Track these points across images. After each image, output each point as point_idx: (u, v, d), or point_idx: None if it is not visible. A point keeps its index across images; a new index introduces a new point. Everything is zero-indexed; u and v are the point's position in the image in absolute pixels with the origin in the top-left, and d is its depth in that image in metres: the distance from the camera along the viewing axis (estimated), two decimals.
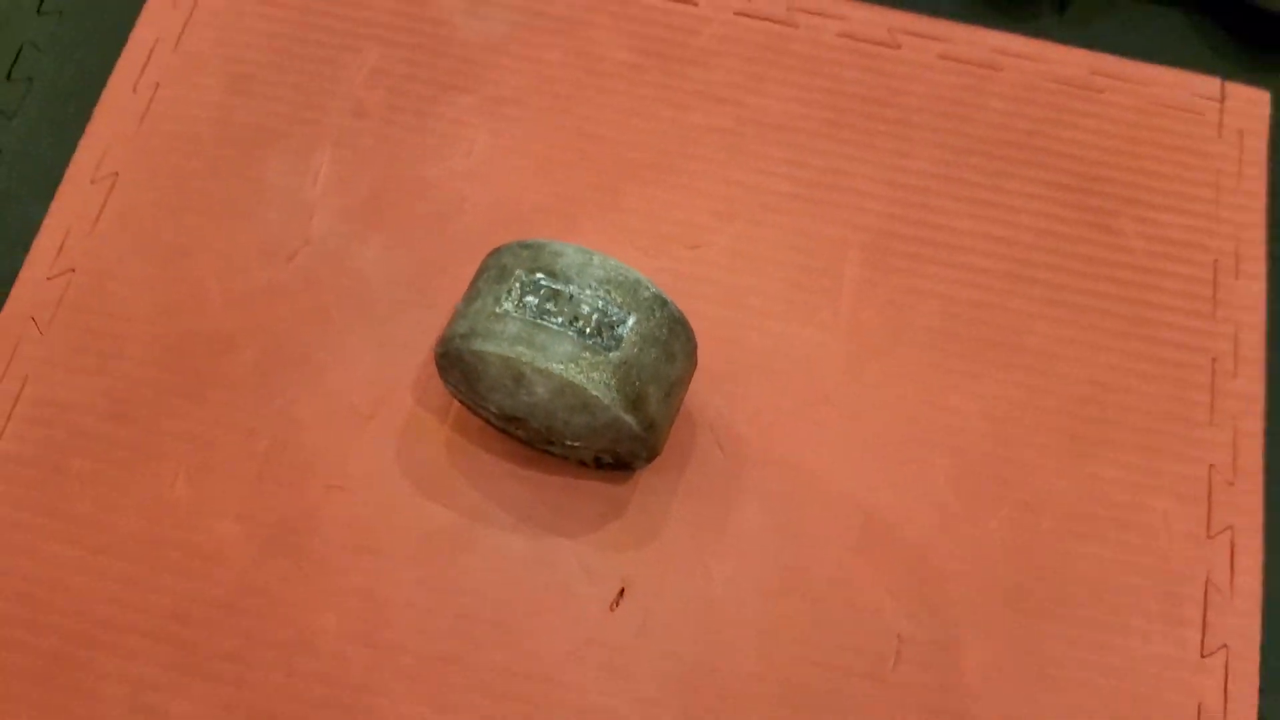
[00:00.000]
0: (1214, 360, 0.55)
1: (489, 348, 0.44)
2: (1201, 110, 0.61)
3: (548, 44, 0.60)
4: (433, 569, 0.50)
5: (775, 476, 0.52)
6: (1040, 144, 0.59)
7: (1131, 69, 0.61)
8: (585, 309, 0.44)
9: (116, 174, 0.56)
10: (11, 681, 0.47)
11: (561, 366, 0.43)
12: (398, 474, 0.51)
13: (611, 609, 0.49)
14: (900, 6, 0.63)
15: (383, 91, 0.58)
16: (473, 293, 0.46)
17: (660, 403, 0.45)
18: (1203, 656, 0.50)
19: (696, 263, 0.56)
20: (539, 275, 0.45)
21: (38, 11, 0.60)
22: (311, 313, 0.54)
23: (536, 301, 0.44)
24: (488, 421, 0.50)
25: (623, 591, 0.50)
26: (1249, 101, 0.61)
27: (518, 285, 0.45)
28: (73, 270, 0.54)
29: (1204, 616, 0.51)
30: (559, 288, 0.44)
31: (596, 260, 0.45)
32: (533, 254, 0.45)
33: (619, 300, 0.44)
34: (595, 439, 0.46)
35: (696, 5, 0.61)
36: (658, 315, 0.45)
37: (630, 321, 0.44)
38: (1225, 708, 0.50)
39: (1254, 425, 0.54)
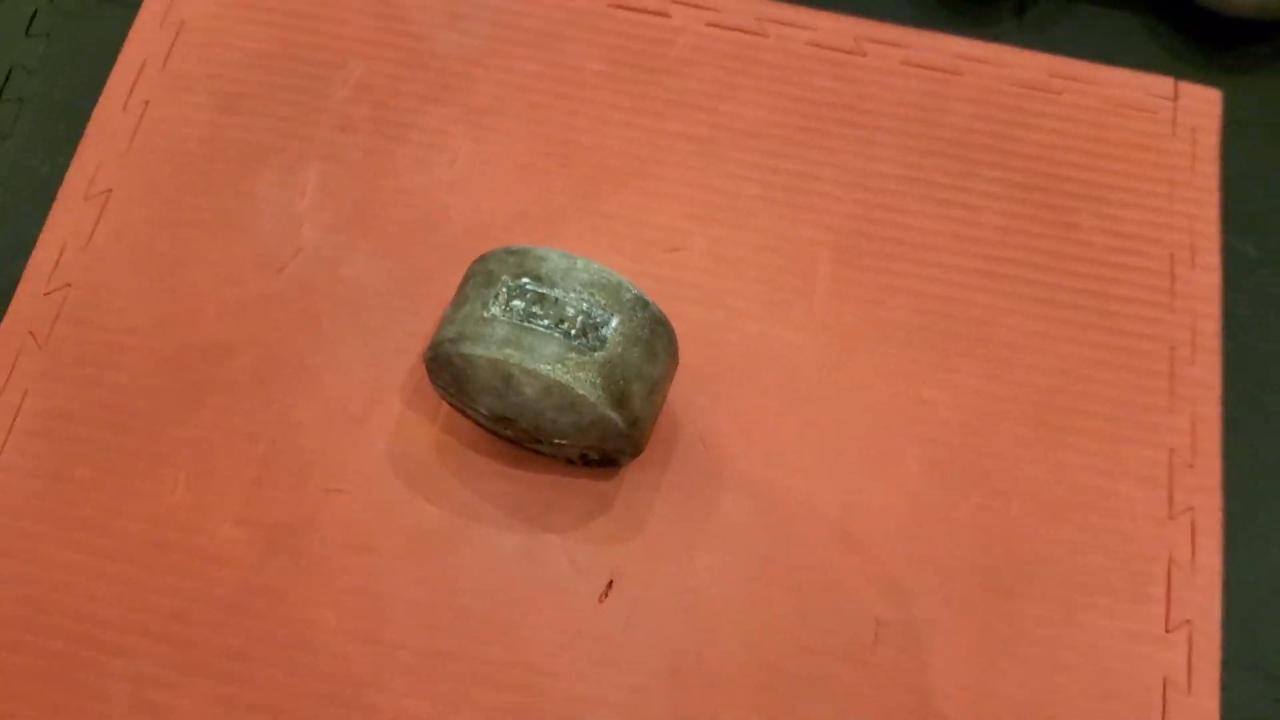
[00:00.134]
0: (1172, 349, 0.58)
1: (478, 351, 0.46)
2: (1156, 109, 0.63)
3: (526, 56, 0.62)
4: (427, 566, 0.51)
5: (756, 470, 0.54)
6: (1002, 145, 0.61)
7: (1088, 71, 0.64)
8: (570, 311, 0.46)
9: (109, 190, 0.57)
10: (19, 683, 0.49)
11: (549, 367, 0.45)
12: (391, 475, 0.53)
13: (600, 601, 0.51)
14: (865, 15, 0.65)
15: (367, 106, 0.60)
16: (460, 298, 0.48)
17: (644, 400, 0.47)
18: (1167, 632, 0.52)
19: (675, 265, 0.58)
20: (525, 280, 0.47)
21: (26, 33, 0.62)
22: (304, 321, 0.55)
23: (523, 305, 0.46)
24: (477, 422, 0.52)
25: (611, 584, 0.52)
26: (1201, 100, 0.64)
27: (504, 290, 0.47)
28: (69, 285, 0.55)
29: (1167, 594, 0.53)
30: (544, 291, 0.46)
31: (580, 264, 0.47)
32: (518, 259, 0.47)
33: (602, 302, 0.46)
34: (582, 437, 0.48)
35: (669, 17, 0.63)
36: (640, 316, 0.47)
37: (614, 322, 0.46)
38: (1189, 680, 0.52)
39: (1211, 410, 0.57)
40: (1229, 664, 0.53)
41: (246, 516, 0.52)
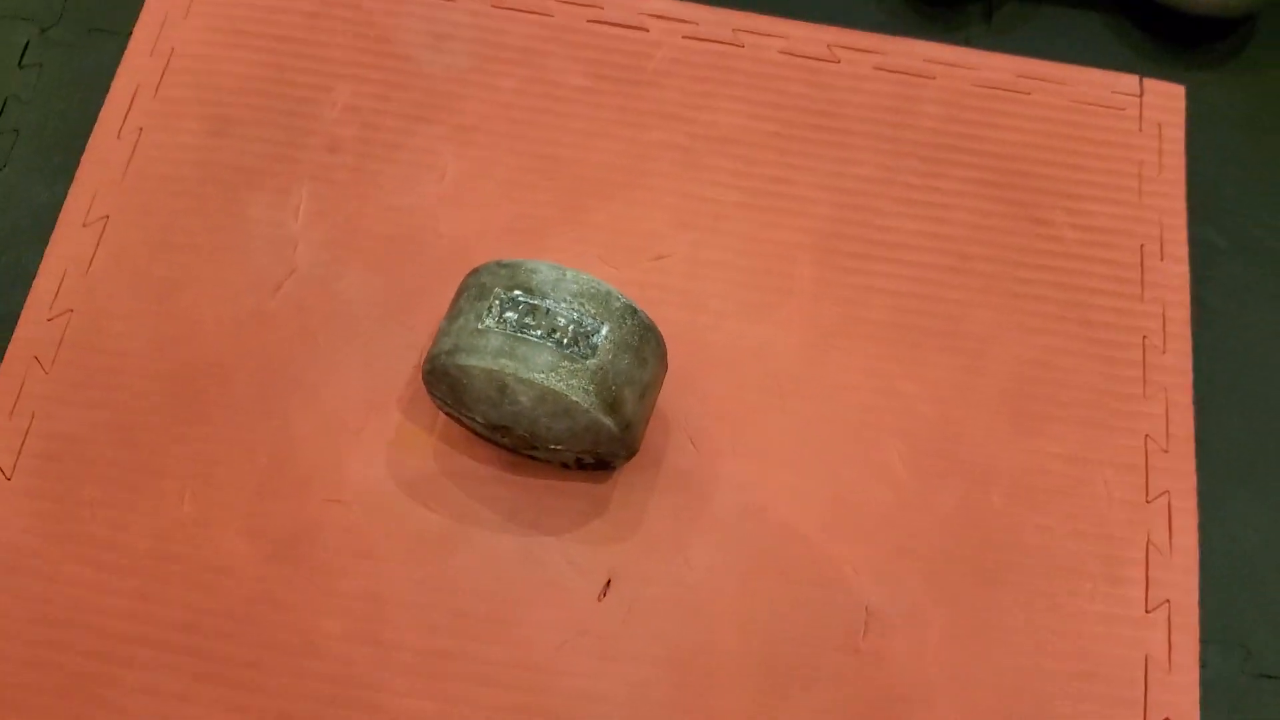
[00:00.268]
0: (1144, 338, 0.60)
1: (473, 362, 0.47)
2: (1122, 106, 0.65)
3: (508, 73, 0.63)
4: (428, 570, 0.53)
5: (745, 467, 0.56)
6: (973, 145, 0.63)
7: (1055, 71, 0.65)
8: (562, 321, 0.47)
9: (107, 217, 0.59)
10: (37, 698, 0.50)
11: (542, 375, 0.46)
12: (391, 484, 0.54)
13: (599, 599, 0.53)
14: (837, 23, 0.66)
15: (355, 127, 0.62)
16: (455, 311, 0.50)
17: (636, 404, 0.49)
18: (1147, 612, 0.54)
19: (661, 272, 0.59)
20: (516, 292, 0.48)
21: (19, 65, 0.63)
22: (300, 337, 0.57)
23: (516, 316, 0.48)
24: (473, 431, 0.54)
25: (609, 583, 0.53)
26: (1166, 96, 0.65)
27: (497, 302, 0.48)
28: (71, 310, 0.57)
29: (1146, 575, 0.55)
30: (536, 302, 0.48)
31: (569, 275, 0.48)
32: (509, 272, 0.49)
33: (592, 311, 0.48)
34: (577, 441, 0.50)
35: (647, 31, 0.65)
36: (629, 323, 0.49)
37: (604, 330, 0.48)
38: (1170, 657, 0.53)
39: (1184, 397, 0.58)
40: (1208, 641, 0.54)
41: (251, 528, 0.53)
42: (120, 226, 0.59)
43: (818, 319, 0.59)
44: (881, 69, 0.65)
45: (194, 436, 0.55)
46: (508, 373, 0.47)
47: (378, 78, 0.63)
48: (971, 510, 0.55)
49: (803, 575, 0.54)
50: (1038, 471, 0.56)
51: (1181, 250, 0.62)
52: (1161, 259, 0.61)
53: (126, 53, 0.63)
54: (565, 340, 0.47)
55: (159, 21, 0.64)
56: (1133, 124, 0.64)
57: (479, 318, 0.48)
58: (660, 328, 0.58)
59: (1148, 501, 0.56)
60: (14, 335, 0.56)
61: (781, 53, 0.65)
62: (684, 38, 0.65)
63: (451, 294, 0.58)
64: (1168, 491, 0.56)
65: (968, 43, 0.66)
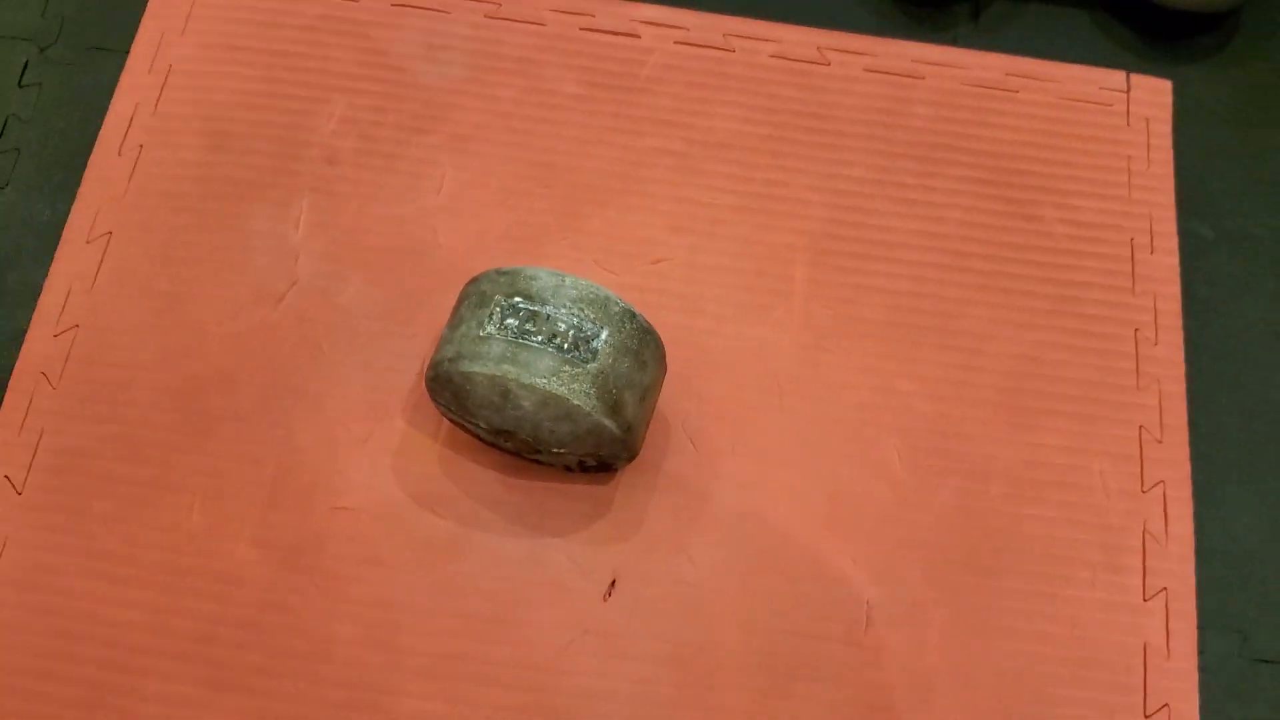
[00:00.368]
0: (1136, 330, 0.60)
1: (476, 368, 0.48)
2: (1110, 102, 0.66)
3: (503, 83, 0.64)
4: (436, 575, 0.54)
5: (744, 466, 0.56)
6: (964, 144, 0.64)
7: (1043, 68, 0.66)
8: (562, 326, 0.48)
9: (110, 233, 0.60)
10: (55, 711, 0.51)
11: (544, 380, 0.47)
12: (396, 490, 0.55)
13: (604, 599, 0.54)
14: (827, 25, 0.67)
15: (353, 139, 0.62)
16: (456, 319, 0.51)
17: (636, 407, 0.50)
18: (1145, 600, 0.55)
19: (658, 276, 0.60)
20: (517, 298, 0.49)
21: (19, 85, 0.64)
22: (304, 348, 0.58)
23: (517, 323, 0.48)
24: (477, 436, 0.55)
25: (614, 583, 0.54)
26: (1153, 91, 0.66)
27: (498, 309, 0.49)
28: (77, 326, 0.58)
29: (1143, 564, 0.56)
30: (536, 309, 0.49)
31: (569, 281, 0.49)
32: (509, 279, 0.50)
33: (592, 316, 0.49)
34: (579, 444, 0.51)
35: (639, 38, 0.66)
36: (628, 327, 0.49)
37: (604, 335, 0.49)
38: (1168, 645, 0.54)
39: (1176, 387, 0.59)
40: (1205, 628, 0.55)
41: (260, 538, 0.54)
42: (123, 242, 0.60)
43: (815, 319, 0.60)
44: (872, 70, 0.66)
45: (201, 448, 0.55)
46: (510, 378, 0.47)
47: (375, 90, 0.64)
48: (970, 504, 0.56)
49: (804, 572, 0.55)
50: (1035, 464, 0.57)
51: (1171, 243, 0.62)
52: (1151, 252, 0.62)
53: (125, 70, 0.64)
54: (566, 345, 0.48)
55: (156, 39, 0.64)
56: (1120, 119, 0.65)
57: (480, 325, 0.49)
58: (659, 331, 0.59)
59: (1143, 491, 0.57)
60: (21, 351, 0.57)
61: (773, 56, 0.66)
62: (676, 43, 0.66)
63: (452, 302, 0.59)
64: (1162, 481, 0.57)
65: (956, 42, 0.67)
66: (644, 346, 0.50)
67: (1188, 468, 0.58)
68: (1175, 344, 0.60)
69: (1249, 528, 0.57)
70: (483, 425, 0.52)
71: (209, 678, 0.51)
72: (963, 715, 0.52)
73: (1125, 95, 0.66)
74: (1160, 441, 0.58)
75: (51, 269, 0.59)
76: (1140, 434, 0.58)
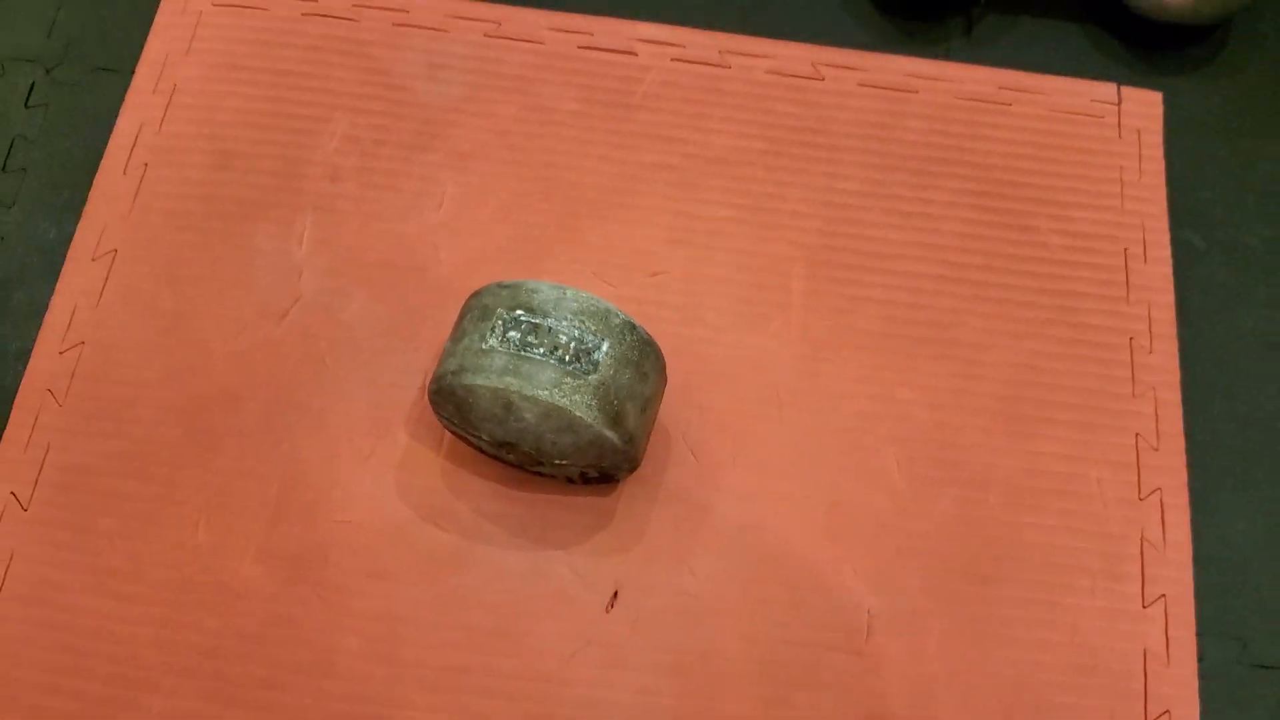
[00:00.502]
0: (1131, 339, 0.61)
1: (479, 381, 0.48)
2: (1101, 114, 0.66)
3: (502, 100, 0.65)
4: (440, 587, 0.54)
5: (745, 477, 0.57)
6: (958, 156, 0.65)
7: (1035, 81, 0.67)
8: (563, 339, 0.49)
9: (115, 251, 0.60)
10: None
11: (546, 392, 0.48)
12: (400, 503, 0.56)
13: (607, 611, 0.54)
14: (821, 41, 0.68)
15: (355, 156, 0.63)
16: (459, 332, 0.51)
17: (638, 418, 0.50)
18: (1144, 607, 0.55)
19: (658, 288, 0.61)
20: (519, 312, 0.50)
21: (25, 105, 0.65)
22: (307, 364, 0.58)
23: (519, 335, 0.49)
24: (479, 449, 0.55)
25: (616, 594, 0.54)
26: (1144, 103, 0.67)
27: (500, 322, 0.50)
28: (83, 343, 0.58)
29: (1142, 571, 0.56)
30: (538, 321, 0.49)
31: (570, 294, 0.50)
32: (511, 293, 0.50)
33: (593, 328, 0.49)
34: (581, 456, 0.51)
35: (637, 55, 0.66)
36: (629, 339, 0.50)
37: (605, 347, 0.49)
38: (1168, 651, 0.54)
39: (1172, 395, 0.60)
40: (1205, 634, 0.55)
41: (265, 552, 0.54)
42: (128, 260, 0.60)
43: (813, 330, 0.60)
44: (866, 85, 0.66)
45: (206, 464, 0.56)
46: (512, 390, 0.48)
47: (376, 108, 0.64)
48: (969, 513, 0.57)
49: (804, 582, 0.55)
50: (1033, 473, 0.58)
51: (1164, 252, 0.63)
52: (1145, 261, 0.63)
53: (130, 90, 0.64)
54: (567, 357, 0.49)
55: (161, 59, 0.65)
56: (1112, 131, 0.66)
57: (483, 338, 0.49)
58: (659, 342, 0.59)
59: (1141, 499, 0.57)
60: (27, 369, 0.57)
61: (768, 72, 0.66)
62: (672, 60, 0.66)
63: (454, 316, 0.59)
64: (1159, 488, 0.58)
65: (949, 56, 0.68)
66: (645, 358, 0.51)
67: (1184, 475, 0.58)
68: (1170, 352, 0.61)
69: (1246, 534, 0.57)
70: (485, 438, 0.52)
71: (214, 692, 0.52)
72: None
73: (1116, 107, 0.67)
74: (1157, 449, 0.58)
75: (57, 287, 0.59)
76: (1137, 442, 0.58)
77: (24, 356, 0.58)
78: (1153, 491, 0.57)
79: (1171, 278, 0.62)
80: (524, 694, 0.52)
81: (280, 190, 0.62)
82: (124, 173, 0.62)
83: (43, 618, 0.53)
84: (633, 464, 0.52)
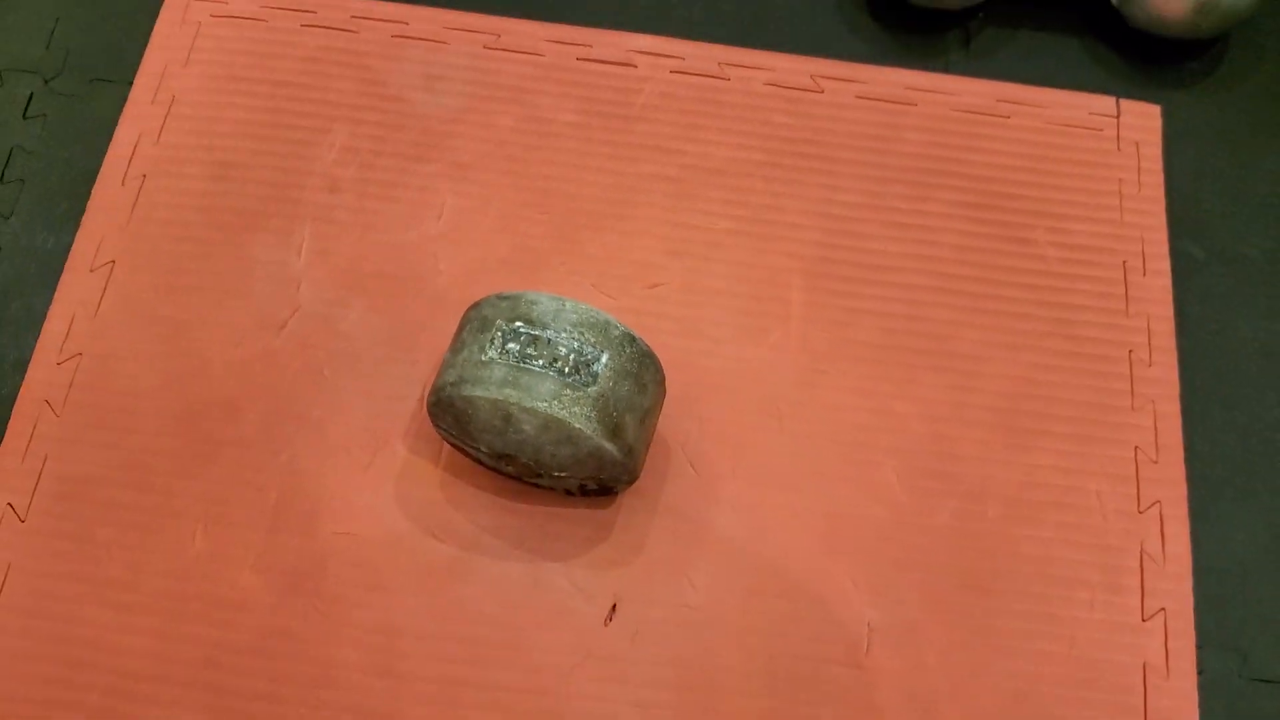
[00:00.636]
0: (1130, 351, 0.61)
1: (478, 393, 0.48)
2: (1100, 127, 0.67)
3: (500, 111, 0.65)
4: (438, 600, 0.54)
5: (743, 489, 0.57)
6: (956, 168, 0.65)
7: (1033, 94, 0.67)
8: (563, 350, 0.49)
9: (113, 262, 0.60)
10: None
11: (546, 404, 0.48)
12: (399, 515, 0.55)
13: (606, 623, 0.54)
14: (820, 54, 0.68)
15: (354, 168, 0.63)
16: (458, 344, 0.51)
17: (637, 430, 0.50)
18: (1143, 620, 0.55)
19: (656, 300, 0.61)
20: (518, 323, 0.49)
21: (24, 116, 0.65)
22: (306, 374, 0.58)
23: (518, 347, 0.49)
24: (478, 461, 0.55)
25: (615, 607, 0.54)
26: (1142, 115, 0.67)
27: (499, 334, 0.50)
28: (80, 354, 0.58)
29: (1141, 584, 0.56)
30: (537, 333, 0.49)
31: (569, 306, 0.50)
32: (510, 304, 0.50)
33: (592, 340, 0.49)
34: (580, 468, 0.51)
35: (635, 67, 0.66)
36: (628, 351, 0.50)
37: (604, 359, 0.49)
38: (1168, 664, 0.54)
39: (1171, 407, 0.60)
40: (1204, 647, 0.55)
41: (263, 563, 0.54)
42: (126, 271, 0.60)
43: (811, 342, 0.60)
44: (864, 97, 0.66)
45: (205, 475, 0.56)
46: (512, 402, 0.48)
47: (375, 119, 0.64)
48: (968, 526, 0.57)
49: (804, 593, 0.55)
50: (1032, 486, 0.57)
51: (1163, 265, 0.63)
52: (1144, 274, 0.63)
53: (128, 101, 0.64)
54: (567, 369, 0.48)
55: (160, 70, 0.65)
56: (1111, 144, 0.66)
57: (482, 349, 0.49)
58: (658, 354, 0.59)
59: (1140, 512, 0.57)
60: (25, 379, 0.57)
61: (766, 84, 0.67)
62: (671, 72, 0.66)
63: (453, 327, 0.59)
64: (1159, 501, 0.58)
65: (947, 69, 0.68)
66: (644, 370, 0.50)
67: (1184, 487, 0.58)
68: (1169, 364, 0.61)
69: (1246, 546, 0.57)
70: (484, 449, 0.52)
71: (212, 704, 0.51)
72: None
73: (1115, 120, 0.67)
74: (1156, 462, 0.58)
75: (55, 297, 0.59)
76: (1136, 454, 0.58)
77: (21, 367, 0.58)
78: (1152, 504, 0.57)
79: (1170, 290, 0.62)
80: (522, 707, 0.52)
81: (279, 201, 0.62)
82: (122, 183, 0.62)
83: (40, 629, 0.53)
84: (632, 476, 0.52)
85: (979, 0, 0.67)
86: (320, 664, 0.52)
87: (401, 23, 0.67)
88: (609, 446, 0.49)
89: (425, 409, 0.56)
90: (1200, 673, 0.55)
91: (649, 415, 0.51)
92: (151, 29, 0.67)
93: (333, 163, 0.63)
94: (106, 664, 0.52)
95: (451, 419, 0.51)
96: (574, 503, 0.56)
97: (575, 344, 0.49)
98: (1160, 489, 0.58)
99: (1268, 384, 0.61)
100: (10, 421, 0.56)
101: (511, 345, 0.49)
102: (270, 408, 0.57)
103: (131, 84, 0.65)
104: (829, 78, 0.67)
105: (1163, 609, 0.55)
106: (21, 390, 0.57)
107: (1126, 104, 0.67)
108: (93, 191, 0.62)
